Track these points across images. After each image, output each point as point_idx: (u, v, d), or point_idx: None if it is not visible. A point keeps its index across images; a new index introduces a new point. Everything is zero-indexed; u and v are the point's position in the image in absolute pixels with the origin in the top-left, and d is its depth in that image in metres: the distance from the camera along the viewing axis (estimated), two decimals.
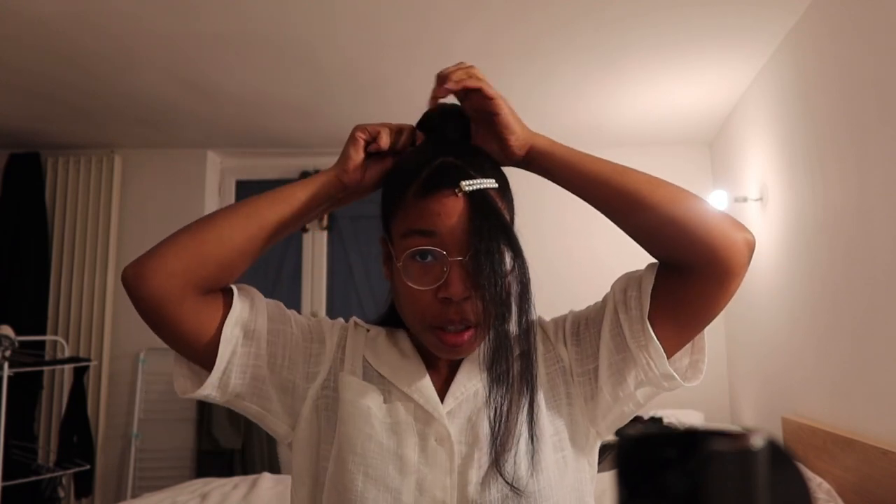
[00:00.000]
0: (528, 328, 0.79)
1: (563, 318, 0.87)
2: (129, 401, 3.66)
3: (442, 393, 0.82)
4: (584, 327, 0.83)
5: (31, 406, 3.51)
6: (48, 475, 3.20)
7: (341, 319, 0.91)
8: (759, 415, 3.10)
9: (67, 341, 3.60)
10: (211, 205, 3.91)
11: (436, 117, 0.85)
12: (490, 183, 0.76)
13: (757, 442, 0.20)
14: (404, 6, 2.36)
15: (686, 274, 0.75)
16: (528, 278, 0.77)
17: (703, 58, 2.75)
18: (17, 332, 3.09)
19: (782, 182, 2.65)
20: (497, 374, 0.76)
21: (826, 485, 2.02)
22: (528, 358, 0.79)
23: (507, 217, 0.78)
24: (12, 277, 3.65)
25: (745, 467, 0.20)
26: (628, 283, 0.80)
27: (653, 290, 0.77)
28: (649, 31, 2.53)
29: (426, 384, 0.82)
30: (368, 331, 0.88)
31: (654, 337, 0.75)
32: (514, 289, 0.76)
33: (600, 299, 0.84)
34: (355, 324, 0.90)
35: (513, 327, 0.78)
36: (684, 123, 3.49)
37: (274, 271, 4.01)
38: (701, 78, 2.94)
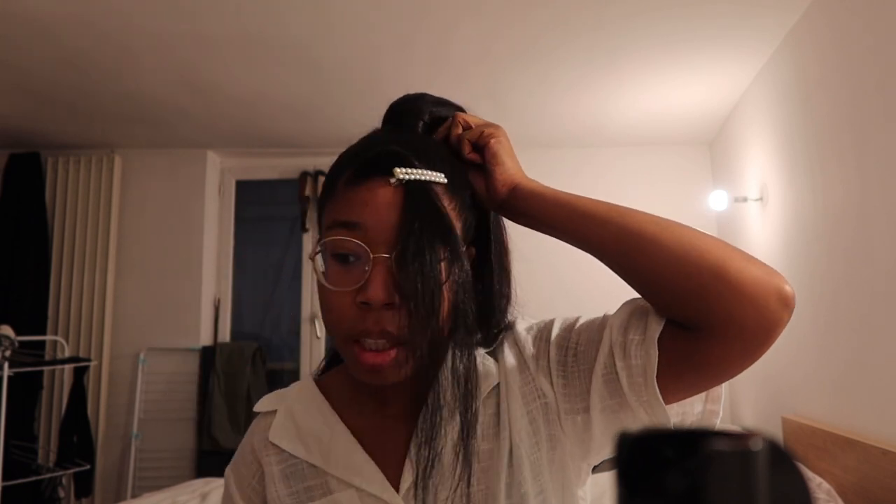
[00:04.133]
0: (467, 363, 0.66)
1: (545, 338, 0.71)
2: (129, 401, 3.65)
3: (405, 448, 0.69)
4: (572, 359, 0.69)
5: (31, 406, 3.51)
6: (48, 475, 3.20)
7: (241, 449, 0.78)
8: (759, 415, 3.10)
9: (67, 341, 3.60)
10: (211, 205, 3.92)
11: (399, 107, 0.76)
12: (435, 176, 0.65)
13: (757, 442, 0.20)
14: (402, 6, 2.36)
15: (703, 331, 0.60)
16: (469, 294, 0.64)
17: (703, 58, 2.75)
18: (17, 332, 3.09)
19: (782, 182, 2.65)
20: (429, 420, 0.65)
21: (826, 485, 2.02)
22: (466, 412, 0.66)
23: (453, 219, 0.65)
24: (12, 277, 3.65)
25: (745, 467, 0.20)
26: (630, 320, 0.65)
27: (659, 339, 0.62)
28: (649, 31, 2.53)
29: (361, 459, 0.69)
30: (276, 411, 0.76)
31: (660, 398, 0.62)
32: (450, 303, 0.64)
33: (598, 316, 0.70)
34: (262, 416, 0.77)
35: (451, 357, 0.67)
36: (684, 123, 3.49)
37: (274, 271, 4.01)
38: (701, 78, 2.94)
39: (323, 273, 0.65)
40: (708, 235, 0.62)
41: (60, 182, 3.79)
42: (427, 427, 0.65)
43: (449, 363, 0.67)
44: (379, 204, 0.63)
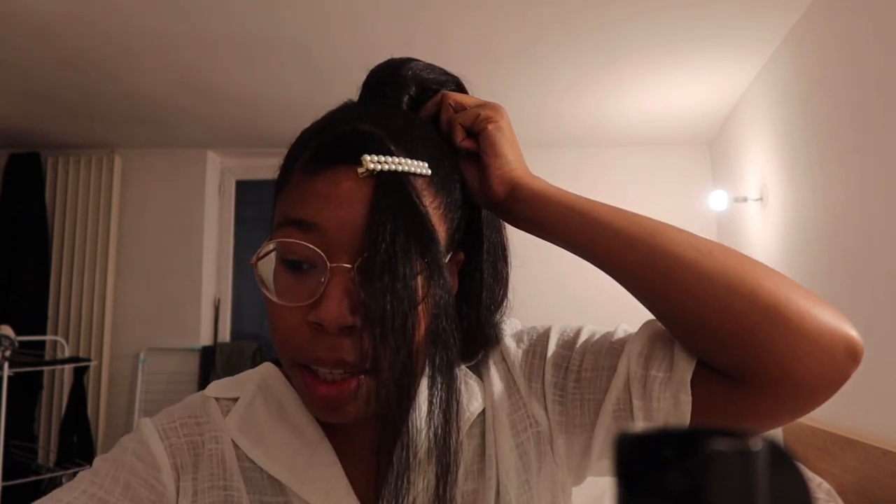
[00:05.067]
0: (446, 406, 0.52)
1: (540, 354, 0.61)
2: (129, 401, 3.66)
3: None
4: (574, 384, 0.58)
5: (31, 406, 3.51)
6: (48, 475, 3.20)
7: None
8: None
9: (67, 341, 3.61)
10: (211, 205, 3.92)
11: (380, 74, 0.60)
12: (415, 166, 0.51)
13: (757, 442, 0.20)
14: (402, 6, 2.36)
15: (747, 384, 0.50)
16: (451, 318, 0.51)
17: (703, 58, 2.75)
18: (17, 332, 3.09)
19: (782, 182, 2.65)
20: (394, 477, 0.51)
21: (826, 485, 2.02)
22: (444, 465, 0.52)
23: (435, 222, 0.52)
24: (12, 277, 3.65)
25: (745, 467, 0.20)
26: (653, 349, 0.54)
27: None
28: (649, 31, 2.53)
29: (342, 491, 0.56)
30: (236, 400, 0.61)
31: None
32: (426, 328, 0.51)
33: (606, 332, 0.60)
34: (214, 401, 0.62)
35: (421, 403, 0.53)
36: (684, 123, 3.49)
37: None
38: (701, 78, 2.94)
39: (272, 281, 0.53)
40: (760, 264, 0.51)
41: (60, 182, 3.79)
42: (391, 488, 0.51)
43: (424, 406, 0.53)
44: (342, 199, 0.49)
